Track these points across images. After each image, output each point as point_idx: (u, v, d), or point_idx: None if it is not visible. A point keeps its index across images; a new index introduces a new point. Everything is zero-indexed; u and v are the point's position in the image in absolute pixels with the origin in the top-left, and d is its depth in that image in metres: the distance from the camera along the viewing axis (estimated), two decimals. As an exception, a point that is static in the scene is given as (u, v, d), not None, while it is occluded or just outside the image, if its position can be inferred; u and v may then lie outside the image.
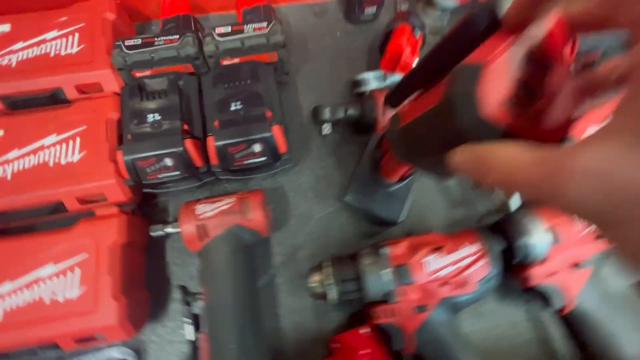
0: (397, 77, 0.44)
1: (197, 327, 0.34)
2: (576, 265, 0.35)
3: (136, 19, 0.48)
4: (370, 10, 0.47)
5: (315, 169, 0.44)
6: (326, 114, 0.41)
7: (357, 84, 0.45)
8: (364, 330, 0.36)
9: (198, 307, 0.34)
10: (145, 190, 0.39)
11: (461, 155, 0.17)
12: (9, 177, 0.34)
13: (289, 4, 0.50)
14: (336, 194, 0.42)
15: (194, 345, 0.33)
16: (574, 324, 0.36)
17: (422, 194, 0.42)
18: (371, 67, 0.48)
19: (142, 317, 0.36)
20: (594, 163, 0.11)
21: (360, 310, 0.38)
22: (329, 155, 0.44)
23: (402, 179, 0.37)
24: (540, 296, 0.36)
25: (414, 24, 0.41)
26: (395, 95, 0.25)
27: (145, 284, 0.38)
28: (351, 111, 0.41)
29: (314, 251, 0.40)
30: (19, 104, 0.39)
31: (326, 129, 0.43)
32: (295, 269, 0.40)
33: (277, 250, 0.41)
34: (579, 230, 0.35)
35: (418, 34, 0.42)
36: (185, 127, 0.36)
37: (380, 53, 0.46)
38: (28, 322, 0.31)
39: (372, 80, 0.44)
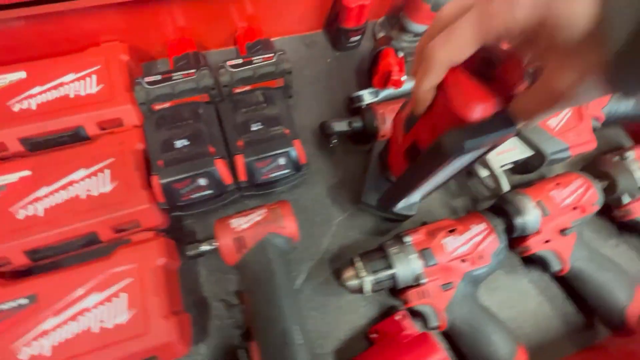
0: (388, 92, 0.50)
1: (246, 337, 0.35)
2: (563, 231, 0.41)
3: (142, 59, 0.51)
4: (355, 38, 0.54)
5: (327, 178, 0.48)
6: (334, 127, 0.46)
7: (353, 100, 0.51)
8: (398, 317, 0.39)
9: (241, 317, 0.35)
10: (172, 214, 0.40)
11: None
12: (40, 213, 0.35)
13: (281, 37, 0.56)
14: (351, 198, 0.46)
15: (245, 353, 0.34)
16: (572, 282, 0.42)
17: (425, 190, 0.47)
18: (361, 85, 0.54)
19: (188, 337, 0.36)
20: (561, 80, 0.19)
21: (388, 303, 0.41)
22: (337, 164, 0.49)
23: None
24: (540, 262, 0.42)
25: (396, 47, 0.49)
26: (386, 201, 0.37)
27: (183, 305, 0.39)
28: (355, 123, 0.46)
29: (339, 252, 0.44)
30: (40, 145, 0.40)
31: (334, 141, 0.47)
32: (325, 271, 0.42)
33: (306, 256, 0.43)
34: (561, 201, 0.42)
35: (401, 55, 0.49)
36: (212, 149, 0.39)
37: (369, 74, 0.52)
38: (78, 355, 0.31)
39: (367, 96, 0.50)
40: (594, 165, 0.49)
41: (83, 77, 0.42)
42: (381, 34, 0.57)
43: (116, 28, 0.46)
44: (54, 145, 0.40)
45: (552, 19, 0.17)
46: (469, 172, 0.49)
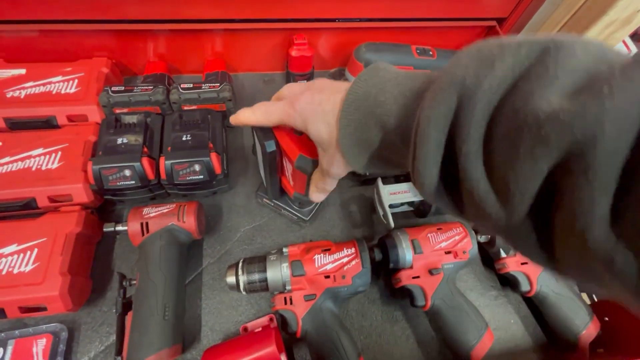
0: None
1: (127, 307, 0.41)
2: (431, 270, 0.46)
3: (126, 73, 0.63)
4: (302, 80, 0.64)
5: (249, 192, 0.55)
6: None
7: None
8: (265, 318, 0.44)
9: (132, 291, 0.42)
10: (106, 196, 0.49)
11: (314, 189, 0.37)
12: (-3, 176, 0.44)
13: (245, 72, 0.67)
14: (263, 212, 0.53)
15: (121, 321, 0.40)
16: (431, 317, 0.46)
17: (332, 215, 0.54)
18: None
19: (82, 298, 0.43)
20: (323, 163, 0.32)
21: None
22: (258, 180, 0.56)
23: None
24: (409, 295, 0.46)
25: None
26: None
27: (90, 273, 0.46)
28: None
29: (239, 255, 0.50)
30: (19, 126, 0.50)
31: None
32: (221, 269, 0.49)
33: (208, 253, 0.50)
34: (435, 244, 0.47)
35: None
36: (146, 149, 0.48)
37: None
38: (-16, 288, 0.38)
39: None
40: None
41: (67, 80, 0.53)
42: (329, 82, 0.67)
43: (107, 47, 0.58)
44: (30, 127, 0.51)
45: (309, 133, 0.30)
46: (373, 207, 0.55)
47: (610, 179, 0.13)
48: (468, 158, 0.17)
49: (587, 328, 0.45)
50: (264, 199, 0.52)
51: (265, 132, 0.36)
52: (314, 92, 0.29)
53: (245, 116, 0.34)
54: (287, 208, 0.50)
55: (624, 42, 0.71)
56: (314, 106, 0.29)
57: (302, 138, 0.36)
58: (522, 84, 0.16)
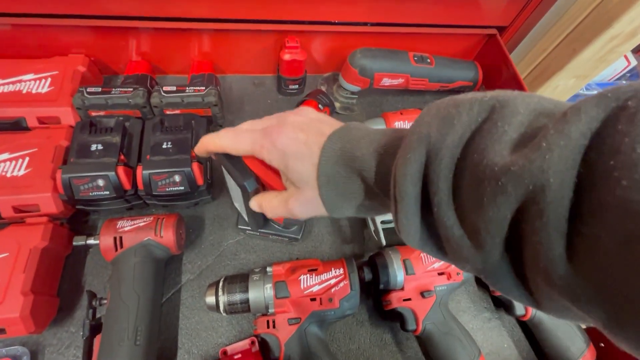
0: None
1: (96, 329, 0.38)
2: (423, 293, 0.44)
3: (106, 72, 0.59)
4: (293, 86, 0.61)
5: (231, 203, 0.52)
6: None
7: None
8: (246, 342, 0.41)
9: (102, 310, 0.39)
10: (78, 206, 0.45)
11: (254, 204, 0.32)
12: (-45, 183, 0.41)
13: (234, 74, 0.64)
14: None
15: (88, 345, 0.37)
16: (422, 343, 0.44)
17: (320, 230, 0.51)
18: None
19: (47, 318, 0.40)
20: (291, 201, 0.28)
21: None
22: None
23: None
24: (399, 319, 0.44)
25: (319, 101, 0.55)
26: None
27: (57, 290, 0.42)
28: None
29: (220, 272, 0.47)
30: (-16, 127, 0.46)
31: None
32: (200, 286, 0.46)
33: (187, 269, 0.47)
34: (428, 264, 0.45)
35: (322, 109, 0.55)
36: (122, 157, 0.45)
37: (299, 118, 0.58)
38: None
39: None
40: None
41: (39, 79, 0.49)
42: (322, 87, 0.64)
43: (85, 44, 0.55)
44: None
45: (288, 170, 0.27)
46: (364, 222, 0.52)
47: (561, 221, 0.14)
48: (441, 207, 0.19)
49: (583, 356, 0.43)
50: (247, 232, 0.48)
51: (239, 168, 0.31)
52: (295, 129, 0.27)
53: (209, 140, 0.30)
54: (275, 233, 0.47)
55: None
56: (299, 144, 0.26)
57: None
58: (478, 138, 0.18)
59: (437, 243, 0.22)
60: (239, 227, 0.47)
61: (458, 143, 0.19)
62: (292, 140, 0.26)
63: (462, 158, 0.19)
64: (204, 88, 0.51)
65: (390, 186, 0.22)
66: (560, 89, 0.66)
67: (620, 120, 0.13)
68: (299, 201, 0.28)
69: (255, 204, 0.32)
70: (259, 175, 0.31)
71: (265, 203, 0.31)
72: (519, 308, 0.46)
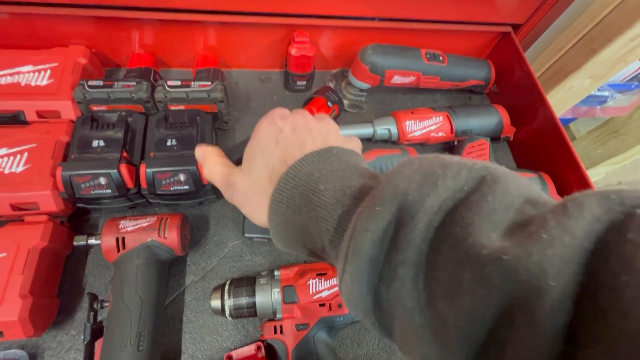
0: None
1: (97, 333, 0.37)
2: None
3: (107, 65, 0.57)
4: (301, 82, 0.59)
5: (239, 203, 0.51)
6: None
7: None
8: (252, 347, 0.40)
9: (104, 313, 0.37)
10: (78, 205, 0.44)
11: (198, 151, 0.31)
12: (-49, 179, 0.39)
13: (240, 69, 0.62)
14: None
15: (89, 349, 0.36)
16: None
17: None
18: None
19: (46, 321, 0.38)
20: (234, 178, 0.27)
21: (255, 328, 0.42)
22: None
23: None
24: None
25: (328, 98, 0.53)
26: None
27: (57, 292, 0.41)
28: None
29: (225, 274, 0.46)
30: (-19, 121, 0.45)
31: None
32: (205, 289, 0.44)
33: (191, 270, 0.45)
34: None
35: (331, 106, 0.53)
36: (125, 154, 0.43)
37: (306, 116, 0.57)
38: None
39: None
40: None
41: (38, 71, 0.47)
42: (330, 84, 0.62)
43: (87, 35, 0.52)
44: (-3, 123, 0.45)
45: (251, 159, 0.26)
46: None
47: (558, 338, 0.12)
48: (404, 284, 0.16)
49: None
50: (255, 239, 0.46)
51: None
52: (288, 126, 0.27)
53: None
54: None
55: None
56: (274, 144, 0.25)
57: None
58: (463, 210, 0.15)
59: (385, 320, 0.18)
60: (246, 235, 0.45)
61: (438, 210, 0.16)
62: (272, 136, 0.26)
63: (439, 228, 0.16)
64: (209, 83, 0.49)
65: (344, 238, 0.18)
66: (575, 89, 0.65)
67: (630, 230, 0.12)
68: (241, 187, 0.26)
69: (200, 152, 0.30)
70: None
71: (210, 161, 0.29)
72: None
